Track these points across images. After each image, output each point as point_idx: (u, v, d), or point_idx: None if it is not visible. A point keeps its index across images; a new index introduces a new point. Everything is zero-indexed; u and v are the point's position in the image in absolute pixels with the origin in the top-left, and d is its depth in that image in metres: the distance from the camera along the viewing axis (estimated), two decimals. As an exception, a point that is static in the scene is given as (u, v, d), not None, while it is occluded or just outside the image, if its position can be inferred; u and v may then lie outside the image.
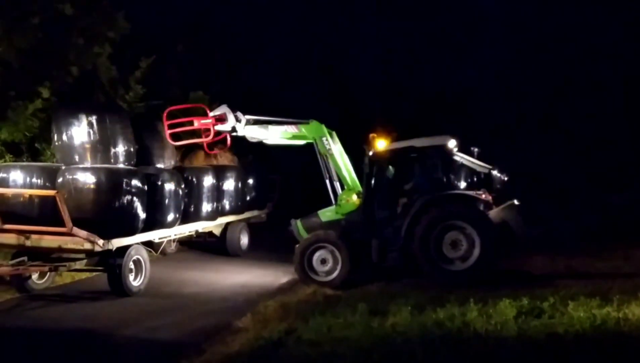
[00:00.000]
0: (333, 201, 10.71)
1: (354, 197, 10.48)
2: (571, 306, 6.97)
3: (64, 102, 12.03)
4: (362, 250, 10.00)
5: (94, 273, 10.44)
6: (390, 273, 10.21)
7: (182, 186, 11.13)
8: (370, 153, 10.16)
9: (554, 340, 6.00)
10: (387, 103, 22.81)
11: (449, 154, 10.13)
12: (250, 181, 14.42)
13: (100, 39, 13.34)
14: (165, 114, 11.41)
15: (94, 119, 9.93)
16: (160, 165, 11.56)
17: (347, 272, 9.95)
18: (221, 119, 11.35)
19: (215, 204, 12.44)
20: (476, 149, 10.96)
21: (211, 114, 11.41)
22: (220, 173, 12.88)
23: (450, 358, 5.57)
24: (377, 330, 6.59)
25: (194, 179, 11.89)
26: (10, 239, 9.08)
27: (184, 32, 19.45)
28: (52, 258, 9.65)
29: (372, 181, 10.22)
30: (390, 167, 10.62)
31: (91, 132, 9.89)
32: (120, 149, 10.16)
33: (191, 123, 11.45)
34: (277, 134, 11.29)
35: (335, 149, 10.90)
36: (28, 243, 9.05)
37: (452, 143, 10.07)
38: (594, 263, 10.83)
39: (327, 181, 10.85)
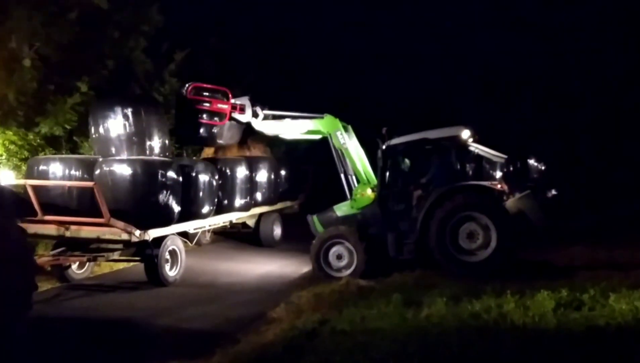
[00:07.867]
0: (348, 196, 10.67)
1: (369, 191, 10.42)
2: (612, 299, 6.74)
3: (100, 95, 12.23)
4: (378, 244, 9.94)
5: (131, 264, 10.65)
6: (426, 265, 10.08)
7: (216, 177, 11.22)
8: (384, 146, 10.07)
9: (595, 333, 5.81)
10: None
11: (463, 144, 9.96)
12: (283, 172, 14.46)
13: (135, 33, 13.50)
14: (190, 88, 11.37)
15: (129, 111, 10.08)
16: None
17: (364, 267, 9.87)
18: (241, 109, 11.44)
19: (248, 195, 12.51)
20: None
21: (232, 101, 11.47)
22: (253, 164, 12.94)
23: (487, 350, 5.45)
24: (412, 321, 6.51)
25: (228, 171, 11.98)
26: (51, 230, 9.30)
27: (217, 25, 19.54)
28: (90, 248, 9.87)
29: (387, 175, 10.14)
30: (405, 160, 10.49)
31: (127, 124, 10.05)
32: (156, 141, 10.31)
33: (209, 103, 11.47)
34: (292, 129, 11.35)
35: (350, 143, 10.83)
36: (67, 233, 9.28)
37: (465, 134, 9.89)
38: (636, 254, 10.50)
39: (342, 176, 10.83)
